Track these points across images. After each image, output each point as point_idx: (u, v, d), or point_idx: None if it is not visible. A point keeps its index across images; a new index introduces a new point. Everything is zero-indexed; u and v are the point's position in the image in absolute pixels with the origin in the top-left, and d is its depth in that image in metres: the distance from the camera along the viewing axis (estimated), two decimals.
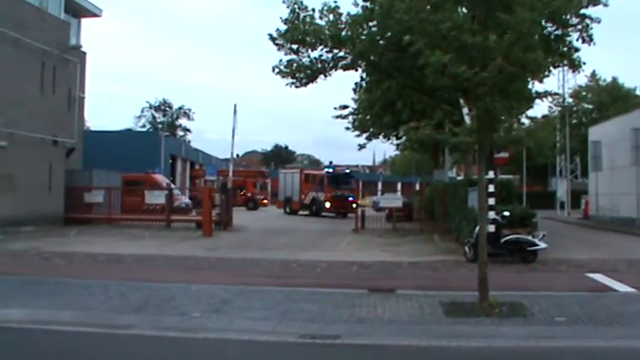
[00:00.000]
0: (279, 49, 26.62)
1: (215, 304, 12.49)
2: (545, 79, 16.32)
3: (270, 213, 59.16)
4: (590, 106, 70.28)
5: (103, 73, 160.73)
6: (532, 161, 65.84)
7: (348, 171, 59.82)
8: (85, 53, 40.53)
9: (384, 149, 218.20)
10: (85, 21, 42.32)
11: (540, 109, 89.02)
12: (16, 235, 27.15)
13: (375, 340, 10.13)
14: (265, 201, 72.67)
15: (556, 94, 46.77)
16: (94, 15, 42.77)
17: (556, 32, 21.45)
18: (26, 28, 30.73)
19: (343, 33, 25.90)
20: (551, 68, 22.86)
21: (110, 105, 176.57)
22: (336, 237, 31.27)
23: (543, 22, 15.59)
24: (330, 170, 58.43)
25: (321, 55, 26.98)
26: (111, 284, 14.55)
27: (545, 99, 15.69)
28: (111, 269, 18.50)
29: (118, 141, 56.55)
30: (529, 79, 14.36)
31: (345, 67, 27.87)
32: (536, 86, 16.16)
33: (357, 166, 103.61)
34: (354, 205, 47.21)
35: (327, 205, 53.57)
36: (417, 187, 70.64)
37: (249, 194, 69.57)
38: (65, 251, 22.30)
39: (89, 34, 59.83)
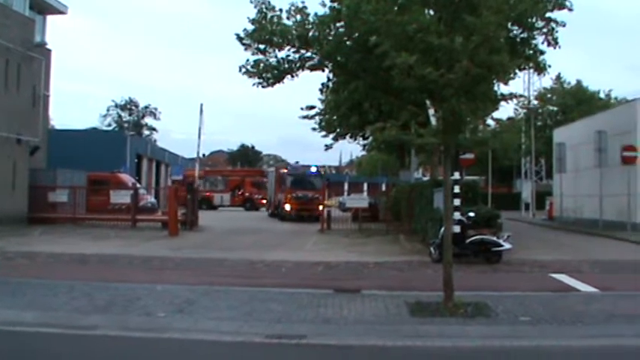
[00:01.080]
0: (246, 49, 26.56)
1: (180, 304, 12.45)
2: (511, 82, 16.51)
3: (254, 214, 58.54)
4: (555, 109, 70.99)
5: (68, 71, 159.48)
6: (497, 163, 66.41)
7: (313, 170, 53.29)
8: (50, 51, 40.17)
9: (350, 150, 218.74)
10: (50, 18, 41.98)
11: (506, 111, 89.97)
12: None
13: (341, 340, 10.14)
14: (264, 201, 67.04)
15: (521, 96, 47.28)
16: (60, 12, 42.42)
17: (522, 35, 21.76)
18: None
19: (310, 33, 25.90)
20: (517, 71, 23.16)
21: (76, 103, 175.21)
22: (302, 237, 31.28)
23: (509, 25, 15.77)
24: (290, 169, 54.48)
25: (288, 56, 26.96)
26: (75, 284, 14.43)
27: (510, 101, 15.84)
28: (75, 269, 18.35)
29: (83, 140, 56.05)
30: (495, 81, 14.49)
31: (312, 68, 27.88)
32: (502, 88, 16.34)
33: (323, 166, 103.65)
34: (321, 208, 42.03)
35: (287, 207, 47.35)
36: (384, 187, 70.86)
37: (247, 194, 68.47)
38: (29, 251, 22.07)
39: (54, 31, 59.27)
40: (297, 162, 63.00)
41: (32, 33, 35.57)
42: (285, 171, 53.68)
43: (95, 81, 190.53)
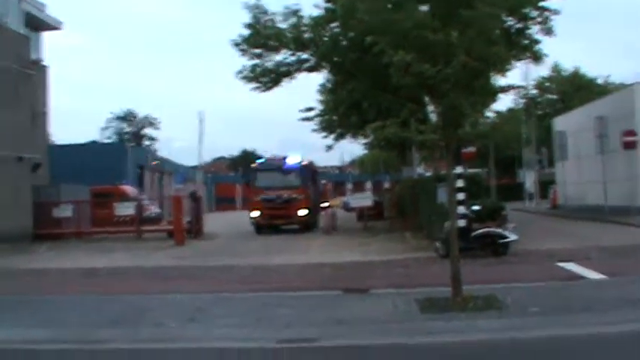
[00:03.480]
0: (242, 54, 26.64)
1: (190, 313, 12.44)
2: (509, 73, 16.54)
3: None
4: (555, 97, 70.93)
5: (66, 86, 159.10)
6: (500, 154, 66.32)
7: (291, 161, 39.11)
8: (46, 67, 40.26)
9: (352, 149, 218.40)
10: (45, 34, 42.03)
11: (505, 101, 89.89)
12: None
13: (353, 341, 10.15)
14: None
15: (519, 87, 47.18)
16: (54, 28, 42.50)
17: (517, 26, 21.74)
18: None
19: (306, 35, 25.97)
20: (514, 61, 23.18)
21: (75, 118, 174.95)
22: (307, 240, 31.25)
23: (504, 16, 15.75)
24: (261, 162, 41.59)
25: (285, 59, 27.05)
26: (85, 299, 14.47)
27: (508, 92, 15.86)
28: (84, 283, 18.34)
29: (84, 154, 56.02)
30: (492, 73, 14.51)
31: (310, 69, 27.95)
32: (500, 80, 16.38)
33: (325, 167, 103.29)
34: (302, 212, 36.49)
35: (254, 214, 37.42)
36: (387, 185, 70.81)
37: None
38: (36, 268, 22.07)
39: (50, 47, 59.22)
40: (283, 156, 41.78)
41: (28, 50, 35.60)
42: (253, 165, 41.45)
43: (93, 94, 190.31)
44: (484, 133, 14.39)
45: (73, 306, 13.62)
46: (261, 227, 36.74)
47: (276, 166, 39.10)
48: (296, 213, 36.50)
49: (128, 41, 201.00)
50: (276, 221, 36.77)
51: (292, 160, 39.06)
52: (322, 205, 42.49)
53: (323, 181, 53.65)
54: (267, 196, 36.87)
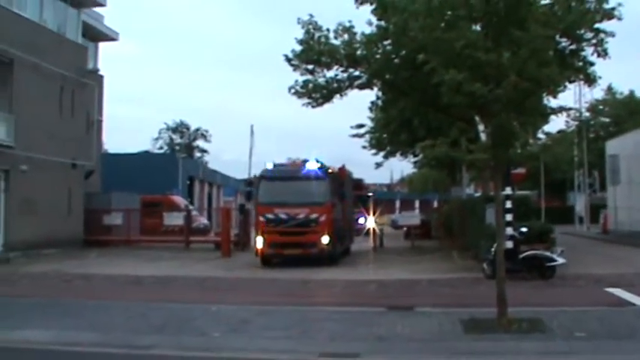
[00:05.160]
0: (294, 70, 26.73)
1: (235, 323, 12.55)
2: (561, 94, 16.34)
3: None
4: (607, 120, 69.95)
5: (120, 96, 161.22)
6: (550, 176, 65.52)
7: (311, 166, 27.44)
8: (102, 76, 40.96)
9: (401, 167, 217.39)
10: (102, 45, 42.79)
11: (557, 123, 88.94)
12: (37, 257, 27.34)
13: (395, 358, 10.15)
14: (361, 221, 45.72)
15: (571, 109, 46.39)
16: (111, 39, 43.22)
17: (571, 47, 21.48)
18: (44, 53, 31.08)
19: (358, 52, 25.94)
20: (567, 83, 22.89)
21: (128, 127, 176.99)
22: (354, 256, 31.21)
23: (557, 37, 15.62)
24: (271, 168, 28.09)
25: (336, 75, 27.03)
26: (131, 305, 14.66)
27: (560, 114, 15.68)
28: (131, 290, 18.61)
29: (136, 163, 56.65)
30: (544, 94, 14.39)
31: (361, 87, 27.89)
32: (552, 101, 16.21)
33: (374, 184, 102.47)
34: (324, 239, 25.93)
35: (259, 242, 26.39)
36: (435, 204, 70.36)
37: None
38: (85, 273, 22.45)
39: (106, 57, 60.03)
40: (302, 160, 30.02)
41: (85, 60, 36.35)
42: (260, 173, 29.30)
43: (146, 105, 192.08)
44: (534, 154, 14.23)
45: (119, 311, 13.83)
46: (268, 259, 26.62)
47: (290, 173, 28.36)
48: (315, 240, 26.04)
49: (183, 54, 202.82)
50: (287, 251, 26.40)
51: (313, 166, 27.60)
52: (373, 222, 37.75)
53: (370, 193, 50.62)
54: (274, 215, 26.55)
